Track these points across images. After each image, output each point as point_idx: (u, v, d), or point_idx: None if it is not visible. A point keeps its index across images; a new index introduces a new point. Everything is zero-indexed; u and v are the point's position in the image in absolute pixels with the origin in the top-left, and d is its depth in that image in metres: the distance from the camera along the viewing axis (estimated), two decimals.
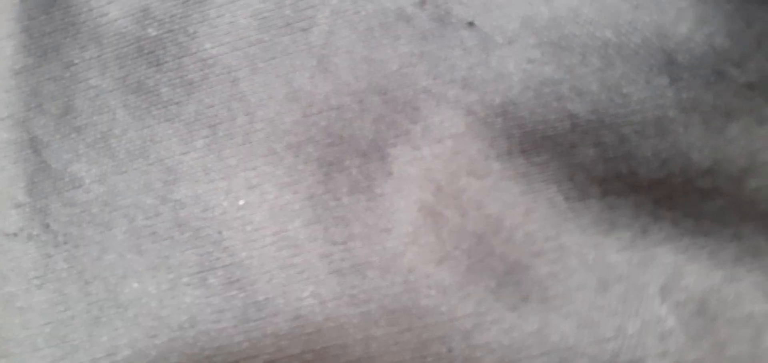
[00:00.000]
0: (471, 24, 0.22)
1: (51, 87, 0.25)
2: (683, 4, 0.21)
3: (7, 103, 0.25)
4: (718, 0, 0.21)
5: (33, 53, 0.25)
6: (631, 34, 0.21)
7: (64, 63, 0.25)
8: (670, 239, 0.21)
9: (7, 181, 0.24)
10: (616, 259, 0.21)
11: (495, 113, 0.22)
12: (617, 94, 0.21)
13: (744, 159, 0.21)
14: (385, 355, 0.22)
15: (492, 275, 0.22)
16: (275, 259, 0.23)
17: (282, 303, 0.23)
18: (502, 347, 0.22)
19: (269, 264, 0.23)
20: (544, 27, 0.22)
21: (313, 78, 0.23)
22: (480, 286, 0.22)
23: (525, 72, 0.22)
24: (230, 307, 0.23)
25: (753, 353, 0.20)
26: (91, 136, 0.24)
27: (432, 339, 0.22)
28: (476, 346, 0.22)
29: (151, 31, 0.25)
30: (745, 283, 0.21)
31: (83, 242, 0.24)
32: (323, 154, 0.23)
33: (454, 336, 0.22)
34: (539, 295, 0.21)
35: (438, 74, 0.22)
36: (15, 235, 0.24)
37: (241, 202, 0.23)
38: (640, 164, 0.21)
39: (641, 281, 0.21)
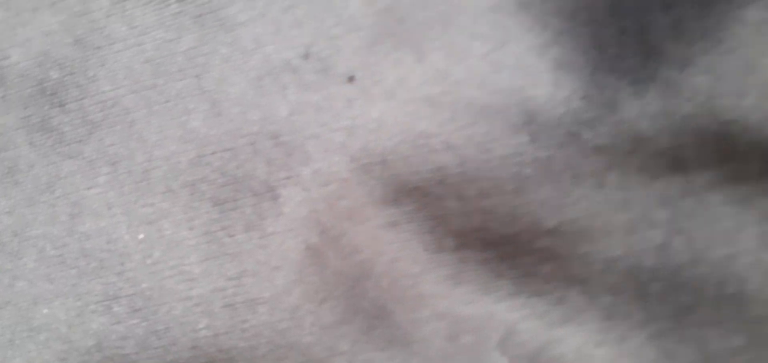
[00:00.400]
0: (352, 78, 0.24)
1: None
2: (542, 68, 0.22)
3: None
4: (573, 66, 0.22)
5: None
6: (495, 94, 0.23)
7: None
8: (508, 297, 0.23)
9: None
10: (463, 312, 0.23)
11: (375, 162, 0.23)
12: (482, 150, 0.23)
13: (582, 222, 0.22)
14: None
15: (365, 317, 0.23)
16: (174, 291, 0.25)
17: (179, 333, 0.24)
18: None
19: (168, 296, 0.25)
20: (418, 85, 0.23)
21: (206, 121, 0.25)
22: (354, 326, 0.24)
23: (402, 125, 0.23)
24: (133, 335, 0.25)
25: None
26: None
27: None
28: None
29: (53, 74, 0.26)
30: (567, 345, 0.22)
31: None
32: (218, 193, 0.25)
33: None
34: (402, 340, 0.23)
35: (325, 122, 0.24)
36: None
37: (141, 237, 0.25)
38: (493, 220, 0.23)
39: (484, 334, 0.23)
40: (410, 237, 0.23)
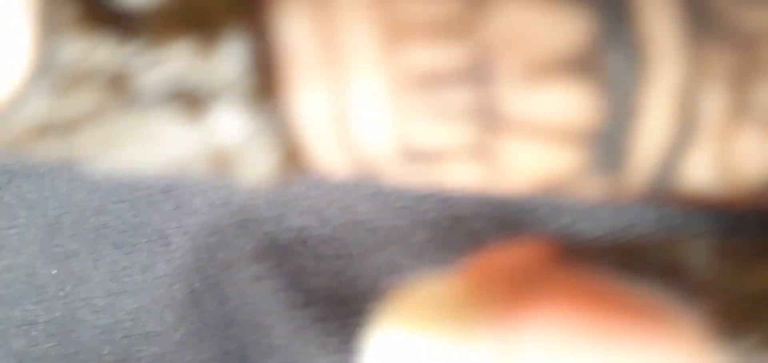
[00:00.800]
0: None
1: None
2: None
3: None
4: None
5: None
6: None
7: None
8: (333, 353, 0.26)
9: None
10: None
11: (251, 218, 0.27)
12: (340, 214, 0.26)
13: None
14: None
15: (232, 359, 0.27)
16: (83, 321, 0.28)
17: (87, 357, 0.28)
18: None
19: (78, 324, 0.28)
20: None
21: (108, 177, 0.28)
22: None
23: (275, 188, 0.27)
24: (48, 356, 0.29)
25: None
26: None
27: None
28: None
29: None
30: None
31: None
32: (120, 237, 0.28)
33: None
34: None
35: (210, 180, 0.27)
36: None
37: (54, 272, 0.29)
38: (339, 281, 0.26)
39: None
40: (269, 293, 0.27)
